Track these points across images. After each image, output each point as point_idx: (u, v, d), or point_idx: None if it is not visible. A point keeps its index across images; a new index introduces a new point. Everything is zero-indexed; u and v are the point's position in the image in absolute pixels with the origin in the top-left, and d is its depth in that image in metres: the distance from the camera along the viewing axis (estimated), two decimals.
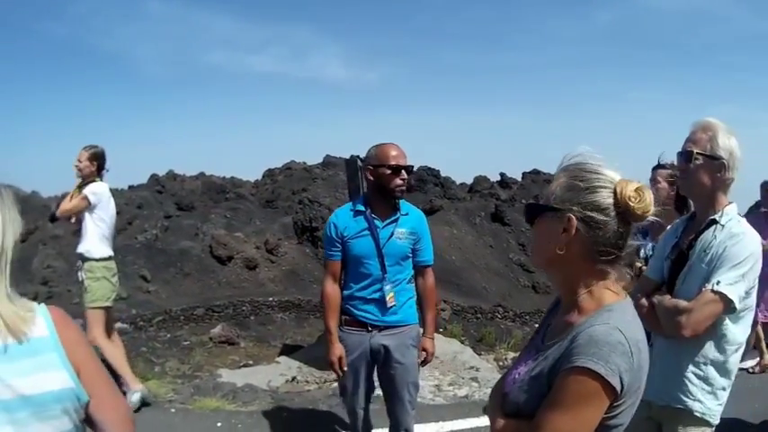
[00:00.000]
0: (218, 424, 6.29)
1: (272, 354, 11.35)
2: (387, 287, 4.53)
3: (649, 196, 1.90)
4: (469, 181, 40.04)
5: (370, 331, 4.58)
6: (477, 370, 8.13)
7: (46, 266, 25.77)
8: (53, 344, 1.88)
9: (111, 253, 6.87)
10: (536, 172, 41.54)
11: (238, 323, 16.83)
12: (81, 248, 6.72)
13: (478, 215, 33.09)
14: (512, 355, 10.06)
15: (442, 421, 6.43)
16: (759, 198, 8.12)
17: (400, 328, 4.62)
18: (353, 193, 6.77)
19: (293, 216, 29.80)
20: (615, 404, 1.79)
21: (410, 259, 4.68)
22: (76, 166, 6.71)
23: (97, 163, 6.77)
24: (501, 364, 9.18)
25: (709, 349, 3.16)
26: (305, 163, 38.69)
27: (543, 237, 2.01)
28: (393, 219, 4.56)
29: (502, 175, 41.31)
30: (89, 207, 6.59)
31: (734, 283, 3.05)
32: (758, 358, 8.56)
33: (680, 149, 3.35)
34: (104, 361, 5.99)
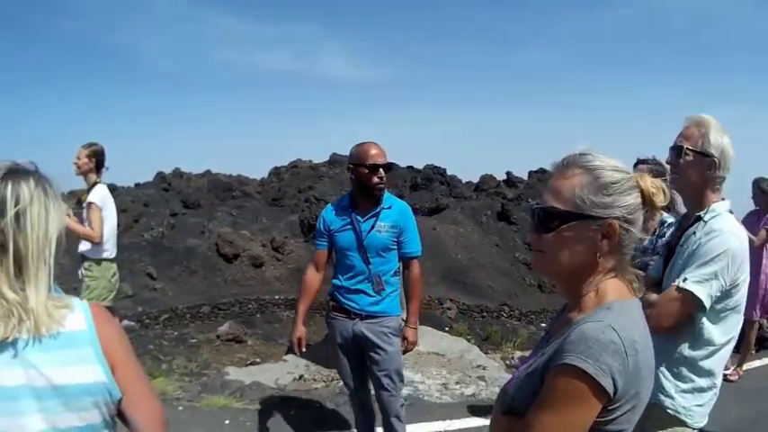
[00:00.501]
0: (226, 421, 6.31)
1: (279, 352, 11.36)
2: (374, 276, 4.82)
3: (664, 186, 1.88)
4: (476, 179, 40.00)
5: (353, 319, 4.87)
6: (485, 369, 8.13)
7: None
8: (90, 338, 1.93)
9: (112, 253, 6.88)
10: (542, 171, 41.42)
11: (244, 321, 16.87)
12: (82, 247, 6.75)
13: (485, 214, 33.03)
14: (518, 353, 10.07)
15: (449, 419, 6.44)
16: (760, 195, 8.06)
17: (381, 317, 4.85)
18: None
19: (299, 214, 29.81)
20: (610, 408, 1.72)
21: (394, 251, 4.89)
22: (75, 163, 6.71)
23: (96, 160, 6.76)
24: (508, 362, 9.18)
25: (684, 347, 3.12)
26: (311, 161, 38.71)
27: (573, 246, 1.88)
28: (374, 213, 4.81)
29: (508, 173, 41.26)
30: (101, 211, 6.61)
31: (702, 280, 3.01)
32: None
33: (672, 144, 3.34)
34: None
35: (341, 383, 7.29)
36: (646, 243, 4.58)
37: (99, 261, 6.73)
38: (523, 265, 32.06)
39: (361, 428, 5.33)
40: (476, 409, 6.74)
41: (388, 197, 4.90)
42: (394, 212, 4.84)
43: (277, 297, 21.89)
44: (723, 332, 3.16)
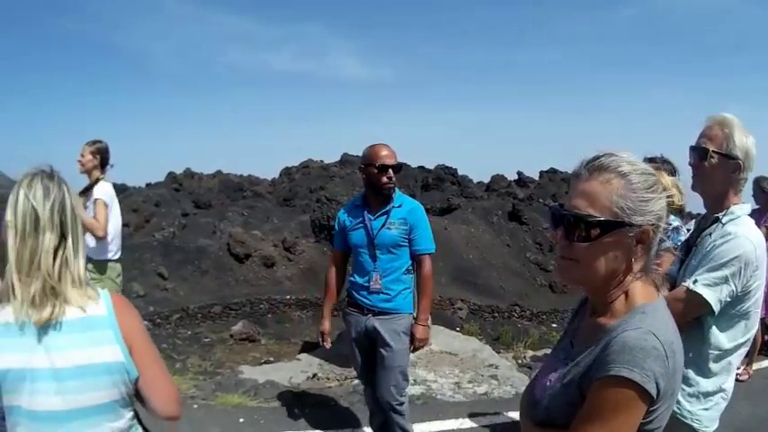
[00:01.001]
0: (241, 420, 6.34)
1: (292, 351, 11.40)
2: (374, 273, 4.98)
3: (680, 186, 1.87)
4: (487, 179, 39.99)
5: (366, 314, 5.04)
6: (497, 368, 8.15)
7: None
8: (110, 322, 2.17)
9: (116, 254, 6.81)
10: (553, 171, 41.39)
11: (256, 321, 16.90)
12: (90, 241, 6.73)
13: (495, 214, 32.97)
14: (530, 353, 10.07)
15: (461, 418, 6.46)
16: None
17: (392, 315, 4.99)
18: None
19: (311, 214, 29.79)
20: (651, 409, 1.74)
21: (405, 248, 5.00)
22: (79, 161, 6.66)
23: (100, 157, 6.70)
24: (520, 362, 9.18)
25: (689, 350, 2.92)
26: (322, 161, 38.75)
27: (609, 253, 1.83)
28: (384, 211, 4.95)
29: (519, 173, 41.24)
30: (107, 208, 6.55)
31: (713, 284, 2.96)
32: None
33: (693, 144, 3.24)
34: None
35: (355, 382, 7.33)
36: None
37: (104, 262, 6.69)
38: (534, 266, 32.02)
39: (376, 424, 5.38)
40: (488, 408, 6.76)
41: (399, 196, 5.04)
42: (404, 210, 4.96)
43: (288, 297, 21.89)
44: (731, 337, 3.11)
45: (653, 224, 1.82)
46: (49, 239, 2.15)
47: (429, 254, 5.06)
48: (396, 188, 5.01)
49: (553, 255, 36.06)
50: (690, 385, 3.10)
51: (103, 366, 2.13)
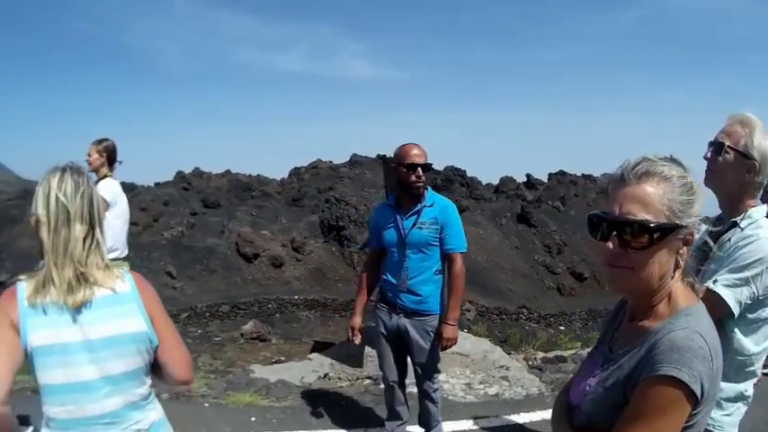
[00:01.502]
0: (252, 419, 6.34)
1: (302, 350, 11.41)
2: (404, 272, 5.02)
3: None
4: (495, 181, 40.04)
5: (398, 313, 5.08)
6: (507, 369, 8.14)
7: None
8: (133, 297, 2.43)
9: (123, 252, 6.70)
10: (562, 173, 41.37)
11: (264, 321, 16.95)
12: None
13: (504, 216, 33.00)
14: (541, 354, 10.05)
15: (473, 419, 6.46)
16: None
17: (421, 315, 5.03)
18: (390, 190, 7.27)
19: (320, 215, 29.88)
20: (693, 412, 1.71)
21: (436, 248, 5.01)
22: (87, 160, 6.64)
23: (107, 155, 6.67)
24: (530, 363, 9.17)
25: None
26: (331, 162, 38.78)
27: (662, 257, 1.81)
28: (415, 210, 4.98)
29: (528, 175, 41.23)
30: (108, 208, 6.46)
31: (732, 285, 2.88)
32: None
33: (712, 139, 3.16)
34: None
35: (366, 382, 7.33)
36: None
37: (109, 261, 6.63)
38: (543, 268, 32.02)
39: (394, 422, 5.38)
40: (499, 408, 6.76)
41: (431, 195, 5.06)
42: (435, 209, 4.97)
43: (296, 297, 21.91)
44: (755, 342, 3.05)
45: (695, 225, 1.82)
46: (79, 230, 2.37)
47: (461, 252, 5.08)
48: (427, 187, 5.04)
49: (561, 257, 36.09)
50: None
51: (130, 336, 2.38)
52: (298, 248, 26.30)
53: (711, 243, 2.98)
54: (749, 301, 2.92)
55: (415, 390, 5.29)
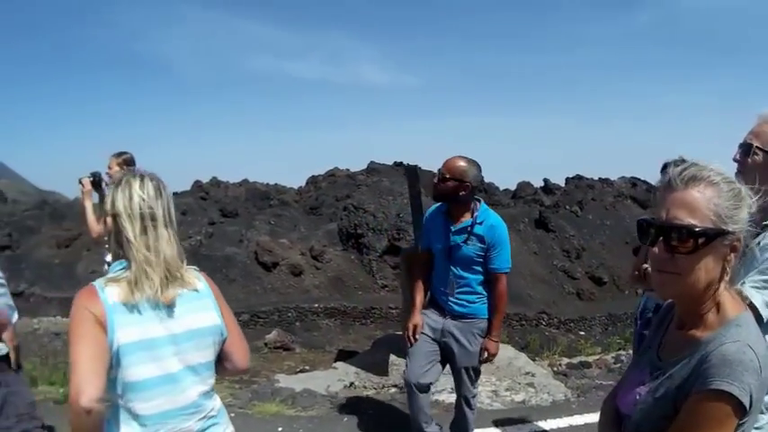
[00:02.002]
0: (279, 429, 6.33)
1: (327, 359, 11.38)
2: (449, 281, 5.08)
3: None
4: (513, 187, 39.97)
5: (445, 317, 5.12)
6: (533, 375, 8.12)
7: (91, 271, 26.10)
8: (208, 293, 2.65)
9: None
10: (579, 177, 41.29)
11: (284, 329, 16.93)
12: (109, 257, 6.80)
13: (522, 221, 32.96)
14: (566, 360, 10.01)
15: (501, 426, 6.44)
16: None
17: (469, 318, 5.09)
18: (414, 198, 7.40)
19: (338, 223, 29.91)
20: (739, 422, 1.71)
21: (480, 264, 5.02)
22: (107, 172, 6.77)
23: (127, 168, 6.80)
24: (555, 369, 9.14)
25: None
26: (348, 170, 38.84)
27: (709, 263, 1.81)
28: (465, 224, 4.97)
29: (545, 180, 41.15)
30: None
31: (761, 287, 2.81)
32: None
33: (742, 141, 3.11)
34: None
35: (392, 390, 7.33)
36: None
37: None
38: (562, 273, 31.90)
39: (416, 429, 5.34)
40: (526, 415, 6.74)
41: (484, 211, 5.04)
42: (484, 227, 4.96)
43: (316, 305, 21.96)
44: None
45: (741, 231, 1.80)
46: (163, 232, 2.52)
47: (505, 273, 5.08)
48: (481, 202, 5.05)
49: (580, 262, 36.01)
50: None
51: (208, 329, 2.57)
52: (317, 257, 26.37)
53: (754, 246, 2.91)
54: None
55: (442, 398, 5.30)
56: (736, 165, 3.17)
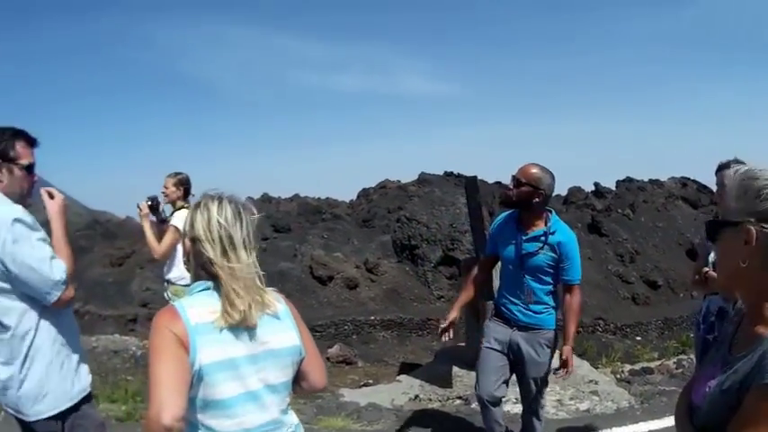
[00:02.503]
0: None
1: (389, 372, 11.41)
2: (519, 291, 5.04)
3: None
4: (564, 192, 39.65)
5: (512, 327, 5.08)
6: (596, 383, 8.09)
7: (144, 289, 26.47)
8: (287, 314, 2.68)
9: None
10: (629, 180, 40.86)
11: (341, 342, 16.99)
12: (169, 275, 6.95)
13: (575, 227, 32.60)
14: (628, 367, 9.96)
15: None
16: None
17: (535, 329, 5.03)
18: (474, 210, 7.40)
19: (392, 235, 29.92)
20: None
21: (550, 275, 5.00)
22: (163, 192, 6.95)
23: (183, 188, 6.97)
24: (618, 376, 9.10)
25: None
26: (399, 181, 38.85)
27: (725, 253, 1.95)
28: (537, 234, 4.96)
29: (596, 184, 40.80)
30: (178, 236, 6.71)
31: None
32: None
33: None
34: None
35: (457, 402, 7.36)
36: None
37: (182, 287, 6.86)
38: (617, 278, 31.55)
39: None
40: (591, 424, 6.71)
41: (556, 222, 5.02)
42: (555, 238, 4.94)
43: (372, 318, 22.00)
44: None
45: (753, 223, 1.84)
46: (245, 255, 2.52)
47: (578, 284, 5.08)
48: (552, 212, 5.07)
49: (634, 266, 35.59)
50: None
51: (286, 350, 2.58)
52: (371, 269, 26.42)
53: None
54: None
55: (506, 408, 5.28)
56: None
